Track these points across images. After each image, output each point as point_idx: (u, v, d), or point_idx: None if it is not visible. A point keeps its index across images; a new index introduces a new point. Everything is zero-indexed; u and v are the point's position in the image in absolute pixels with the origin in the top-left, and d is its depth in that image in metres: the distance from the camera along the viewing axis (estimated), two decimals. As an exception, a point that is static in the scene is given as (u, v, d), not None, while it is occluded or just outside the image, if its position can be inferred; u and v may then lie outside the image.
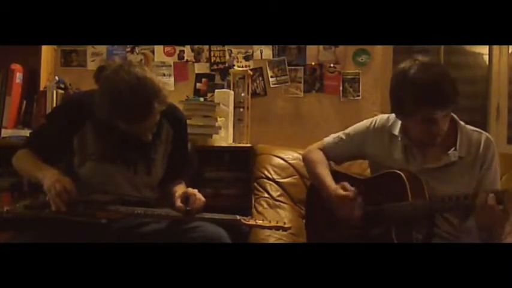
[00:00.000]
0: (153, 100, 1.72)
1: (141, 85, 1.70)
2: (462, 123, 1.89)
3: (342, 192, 1.87)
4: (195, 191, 1.83)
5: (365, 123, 2.03)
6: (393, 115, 1.91)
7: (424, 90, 1.71)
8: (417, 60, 1.78)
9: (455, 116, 1.87)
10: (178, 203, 1.81)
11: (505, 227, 1.69)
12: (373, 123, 2.00)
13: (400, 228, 1.78)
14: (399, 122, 1.91)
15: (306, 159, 2.13)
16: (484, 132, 1.89)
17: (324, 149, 2.09)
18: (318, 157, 2.07)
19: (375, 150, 1.97)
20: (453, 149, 1.83)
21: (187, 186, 1.92)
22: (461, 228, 1.83)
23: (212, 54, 2.97)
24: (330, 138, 2.10)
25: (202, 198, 1.82)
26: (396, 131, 1.91)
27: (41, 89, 2.75)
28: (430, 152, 1.85)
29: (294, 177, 2.55)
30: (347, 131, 2.07)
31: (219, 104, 2.65)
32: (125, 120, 1.74)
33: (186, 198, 1.82)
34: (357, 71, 2.96)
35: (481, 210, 1.62)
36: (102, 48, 2.98)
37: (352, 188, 1.87)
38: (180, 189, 1.91)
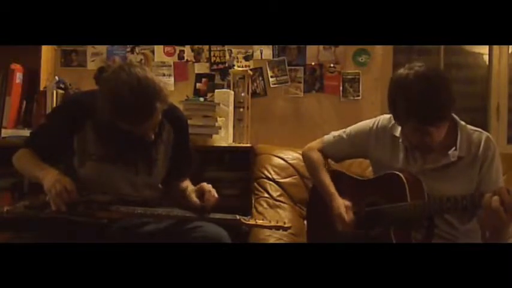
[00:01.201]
0: (155, 100, 1.72)
1: (143, 86, 1.70)
2: (462, 123, 1.87)
3: (342, 213, 1.88)
4: (210, 186, 1.85)
5: (367, 123, 2.02)
6: (395, 116, 1.91)
7: (417, 104, 1.68)
8: (415, 67, 1.73)
9: (455, 116, 1.86)
10: (194, 198, 1.83)
11: (510, 228, 1.68)
12: (375, 123, 1.99)
13: (399, 228, 1.78)
14: (400, 124, 1.90)
15: (305, 157, 2.14)
16: (484, 131, 1.88)
17: (323, 147, 2.10)
18: (318, 159, 2.07)
19: (376, 151, 1.97)
20: (453, 148, 1.82)
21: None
22: (462, 230, 1.83)
23: (212, 54, 2.97)
24: (330, 137, 2.10)
25: (216, 195, 1.83)
26: (397, 133, 1.90)
27: (41, 89, 2.75)
28: (431, 153, 1.84)
29: (294, 177, 2.56)
30: (348, 130, 2.07)
31: (219, 104, 2.65)
32: (127, 121, 1.73)
33: (201, 193, 1.83)
34: (357, 71, 2.96)
35: (485, 213, 1.60)
36: (102, 48, 2.98)
37: (352, 216, 1.87)
38: (189, 185, 1.91)
